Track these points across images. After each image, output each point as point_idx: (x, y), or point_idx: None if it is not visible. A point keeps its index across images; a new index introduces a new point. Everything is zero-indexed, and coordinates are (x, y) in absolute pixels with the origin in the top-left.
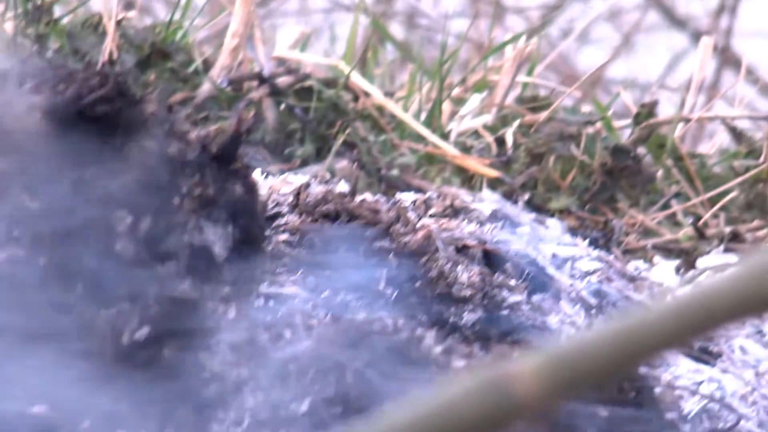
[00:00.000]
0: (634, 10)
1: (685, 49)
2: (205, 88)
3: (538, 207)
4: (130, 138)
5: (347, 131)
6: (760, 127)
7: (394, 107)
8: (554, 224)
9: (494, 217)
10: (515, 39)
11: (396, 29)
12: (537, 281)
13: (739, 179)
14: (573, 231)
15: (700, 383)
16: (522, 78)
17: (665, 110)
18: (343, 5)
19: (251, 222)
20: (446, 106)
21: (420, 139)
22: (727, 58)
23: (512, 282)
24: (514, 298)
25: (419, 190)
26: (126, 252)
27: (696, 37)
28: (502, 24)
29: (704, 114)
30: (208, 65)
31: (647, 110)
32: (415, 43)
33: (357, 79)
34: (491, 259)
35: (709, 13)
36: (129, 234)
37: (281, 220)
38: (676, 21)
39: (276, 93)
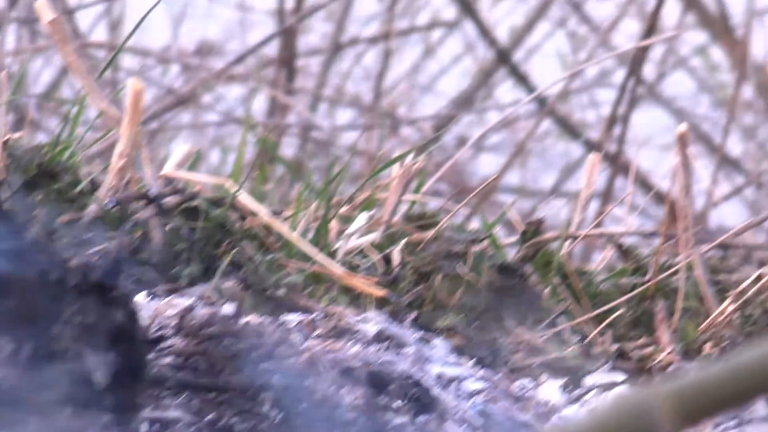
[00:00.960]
0: (529, 118)
1: (580, 156)
2: (92, 208)
3: (424, 326)
4: (11, 266)
5: (234, 251)
6: (648, 243)
7: (280, 226)
8: (440, 344)
9: (380, 337)
10: (403, 157)
11: (288, 142)
12: (422, 402)
13: (626, 297)
14: (459, 350)
15: None
16: (410, 196)
17: (558, 219)
18: (235, 118)
19: (133, 348)
20: (334, 225)
21: (307, 258)
22: (619, 167)
23: (397, 404)
24: (398, 420)
25: (306, 310)
26: (6, 381)
27: (589, 145)
28: (396, 135)
29: (591, 231)
30: (95, 185)
31: (534, 228)
32: (309, 154)
33: (244, 198)
34: (376, 381)
35: (602, 122)
36: (9, 362)
37: (166, 344)
38: (569, 129)
39: (163, 213)
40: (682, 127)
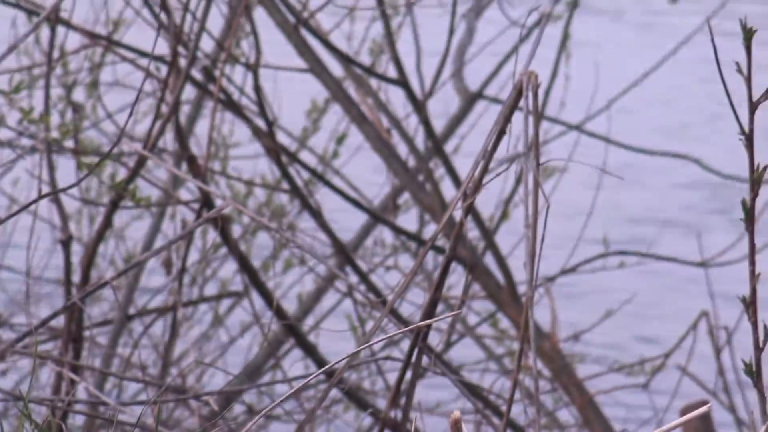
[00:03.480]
0: (318, 386)
1: (369, 425)
2: None
3: None
4: None
5: None
6: None
7: None
8: None
9: None
10: None
11: (75, 417)
12: None
13: None
14: None
15: None
16: None
17: None
18: (18, 396)
19: None
20: None
21: None
22: None
23: None
24: None
25: None
26: None
27: (376, 415)
28: (184, 406)
29: None
30: None
31: None
32: (96, 429)
33: None
34: None
35: (389, 390)
36: None
37: None
38: (357, 399)
39: None
40: (456, 414)
